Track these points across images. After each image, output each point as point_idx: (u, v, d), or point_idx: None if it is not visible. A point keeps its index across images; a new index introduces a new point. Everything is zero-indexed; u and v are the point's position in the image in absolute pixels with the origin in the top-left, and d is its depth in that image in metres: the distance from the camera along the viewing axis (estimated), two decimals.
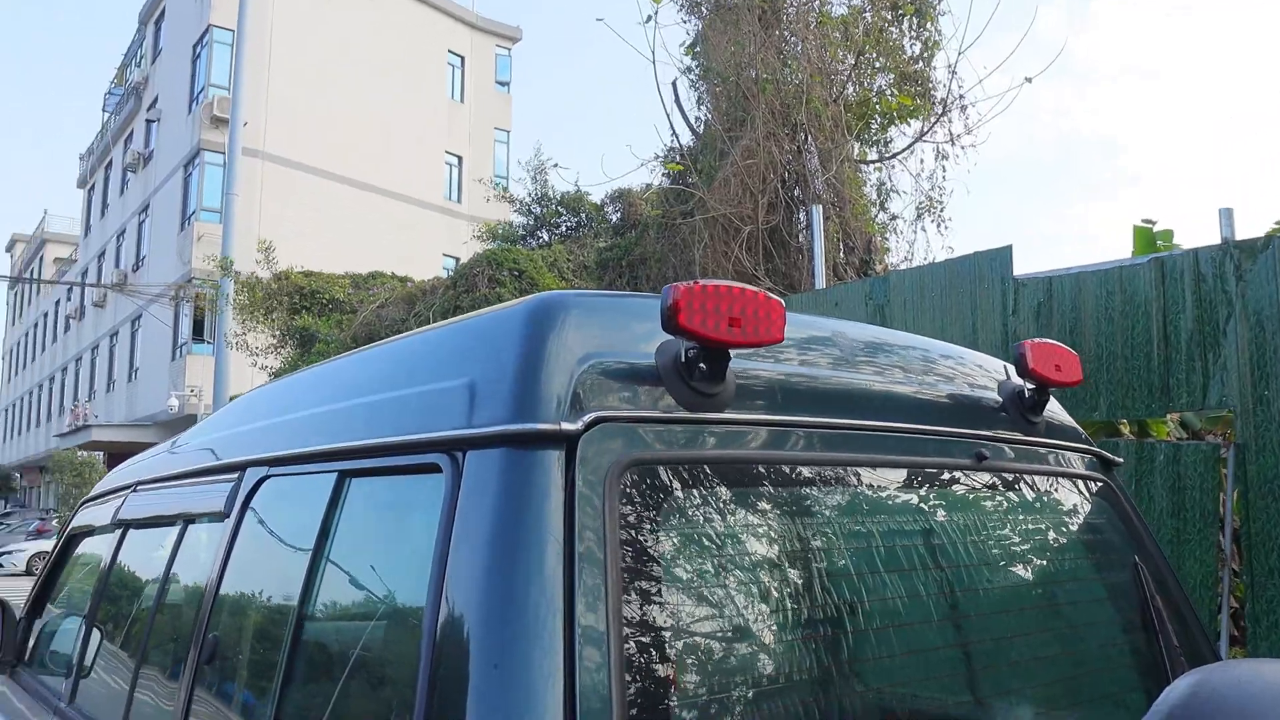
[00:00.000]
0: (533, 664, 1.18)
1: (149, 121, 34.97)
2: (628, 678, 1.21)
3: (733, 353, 1.49)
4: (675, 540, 1.38)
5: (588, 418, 1.36)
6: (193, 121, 30.33)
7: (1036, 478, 1.97)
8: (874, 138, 11.30)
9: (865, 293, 6.02)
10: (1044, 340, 1.97)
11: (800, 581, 1.47)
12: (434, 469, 1.41)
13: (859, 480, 1.64)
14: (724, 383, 1.50)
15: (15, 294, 58.76)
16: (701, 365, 1.47)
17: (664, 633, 1.29)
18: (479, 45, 38.11)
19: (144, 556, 2.60)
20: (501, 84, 39.22)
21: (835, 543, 1.55)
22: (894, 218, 11.59)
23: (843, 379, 1.74)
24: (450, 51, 36.85)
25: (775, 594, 1.43)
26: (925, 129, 11.20)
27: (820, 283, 9.54)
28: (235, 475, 2.04)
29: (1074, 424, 2.21)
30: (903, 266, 10.99)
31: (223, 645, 1.83)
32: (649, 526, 1.35)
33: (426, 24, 35.92)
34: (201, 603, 1.96)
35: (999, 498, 1.86)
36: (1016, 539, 1.86)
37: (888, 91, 11.13)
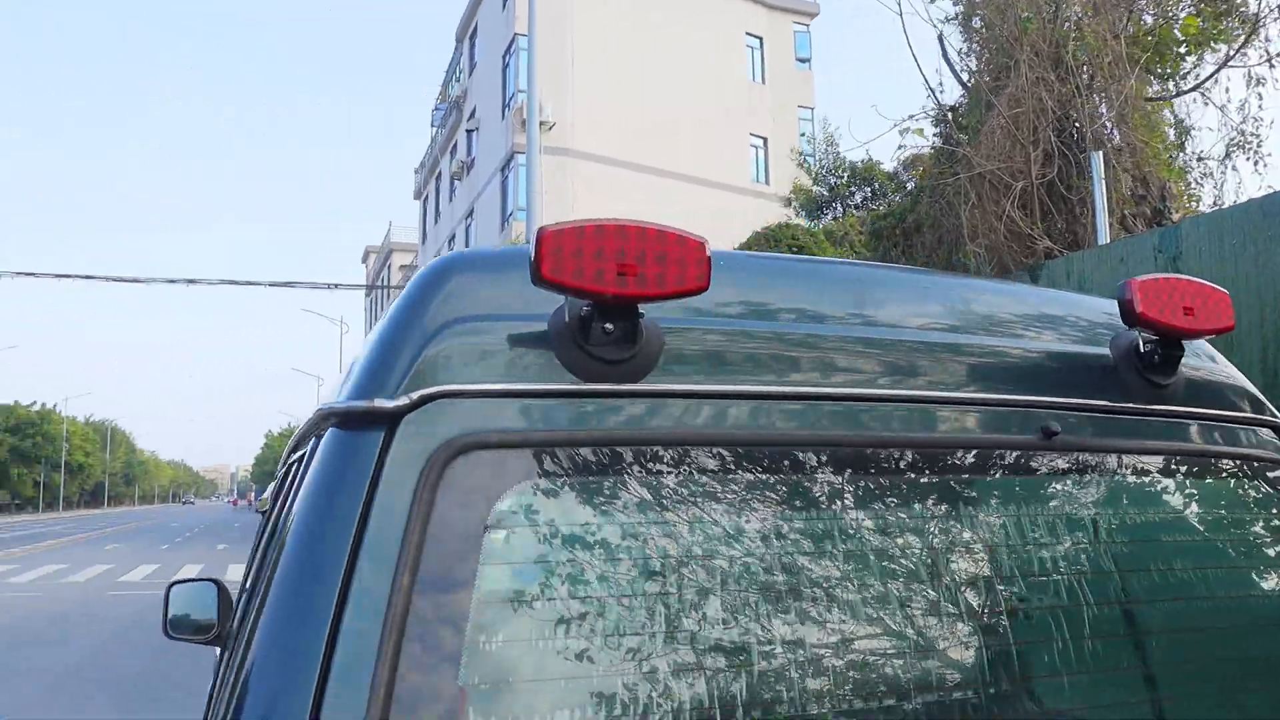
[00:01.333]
0: (285, 669, 1.09)
1: (469, 131, 38.48)
2: (390, 698, 1.06)
3: (644, 309, 1.28)
4: (516, 543, 1.18)
5: (419, 394, 1.22)
6: (505, 127, 33.06)
7: (1165, 460, 1.57)
8: (1167, 70, 10.39)
9: (1153, 245, 5.68)
10: (1168, 275, 1.54)
11: (699, 611, 1.20)
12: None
13: (838, 467, 1.34)
14: (636, 346, 1.27)
15: (370, 301, 66.77)
16: (605, 326, 1.26)
17: (458, 654, 1.10)
18: (776, 24, 38.37)
19: None
20: (802, 61, 39.25)
21: (782, 557, 1.27)
22: (1200, 159, 10.61)
23: (828, 333, 1.44)
24: (748, 33, 37.40)
25: (645, 625, 1.18)
26: (1232, 52, 10.15)
27: (1103, 237, 8.98)
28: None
29: (1241, 383, 1.74)
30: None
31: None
32: (480, 524, 1.17)
33: (722, 8, 36.69)
34: None
35: (1090, 488, 1.50)
36: (1120, 546, 1.48)
37: (1184, 13, 10.20)
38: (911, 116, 11.42)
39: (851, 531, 1.31)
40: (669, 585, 1.21)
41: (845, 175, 18.33)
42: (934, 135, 11.91)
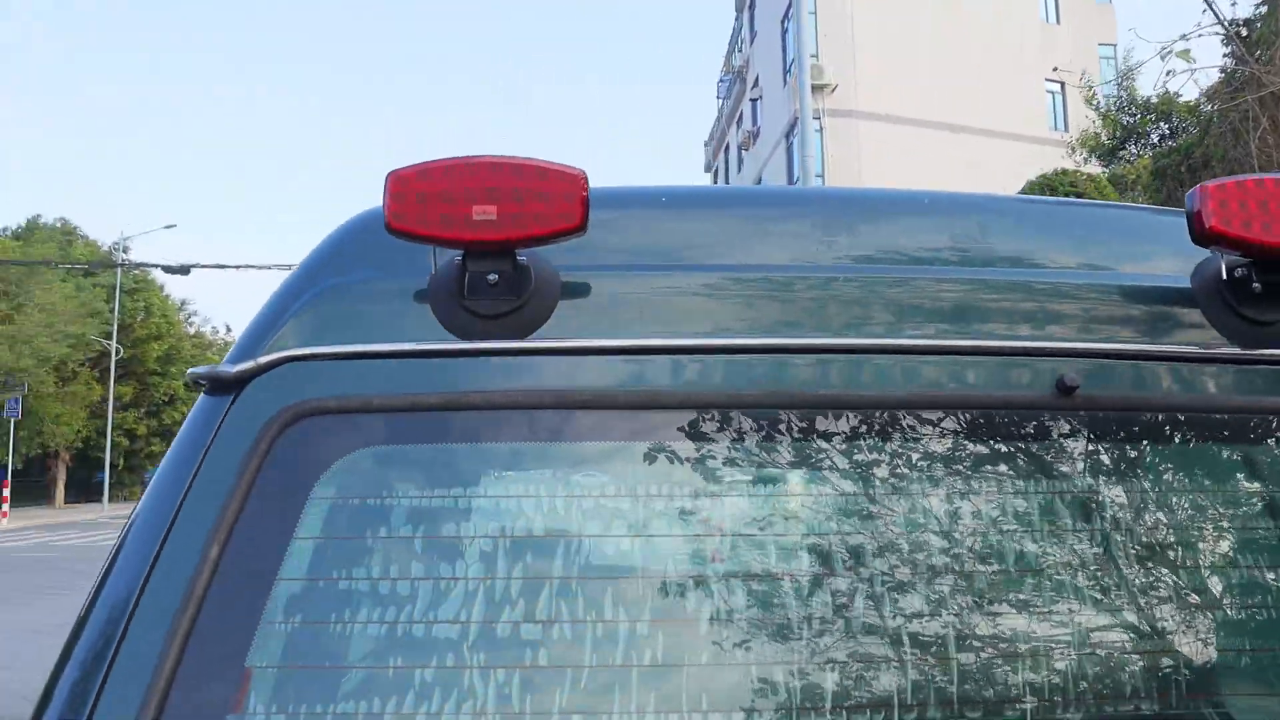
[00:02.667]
0: (97, 628, 1.10)
1: (753, 101, 40.11)
2: (175, 672, 1.05)
3: (523, 257, 1.20)
4: (340, 517, 1.15)
5: (268, 358, 1.20)
6: (787, 94, 34.34)
7: (1264, 420, 1.27)
8: None
9: None
10: (1262, 176, 1.23)
11: (536, 597, 1.11)
12: None
13: (767, 429, 1.21)
14: (520, 298, 1.19)
15: None
16: (487, 277, 1.18)
17: (251, 632, 1.08)
18: None
19: None
20: None
21: (666, 539, 1.17)
22: None
23: (769, 274, 1.29)
24: None
25: (471, 611, 1.11)
26: None
27: None
28: None
29: None
30: None
31: None
32: (303, 495, 1.14)
33: None
34: None
35: (1132, 456, 1.25)
36: (1213, 528, 1.25)
37: None
38: (1184, 36, 10.00)
39: (786, 506, 1.19)
40: (519, 570, 1.13)
41: (1139, 113, 17.96)
42: (1224, 56, 11.61)
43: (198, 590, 1.09)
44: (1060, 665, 1.12)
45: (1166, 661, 1.14)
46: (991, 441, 1.24)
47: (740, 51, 43.56)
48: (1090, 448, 1.25)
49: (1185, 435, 1.28)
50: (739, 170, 43.99)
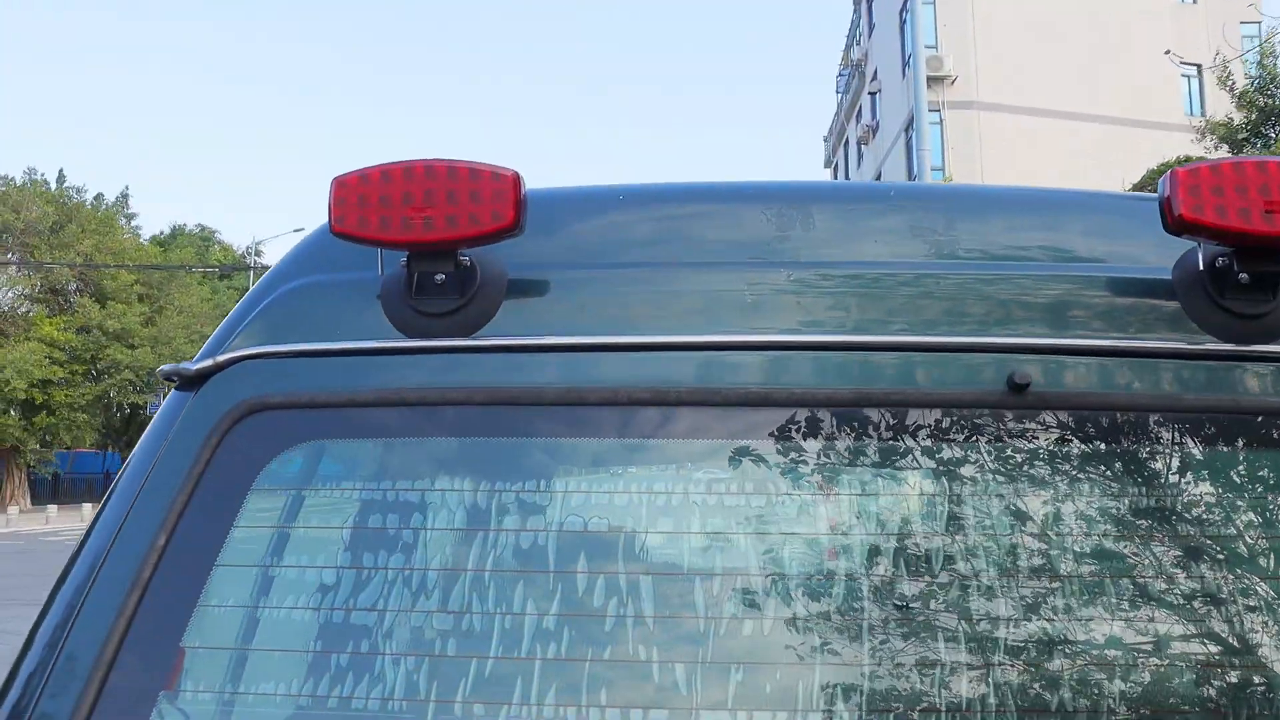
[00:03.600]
0: (56, 611, 1.18)
1: (871, 94, 40.25)
2: (115, 655, 1.13)
3: (468, 256, 1.24)
4: (280, 508, 1.25)
5: (225, 356, 1.28)
6: (906, 87, 34.53)
7: (1242, 422, 1.21)
8: None
9: None
10: (1239, 159, 1.19)
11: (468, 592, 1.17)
12: None
13: (705, 427, 1.23)
14: (464, 297, 1.24)
15: None
16: (437, 277, 1.23)
17: (187, 616, 1.16)
18: None
19: None
20: None
21: (595, 536, 1.21)
22: None
23: (711, 275, 1.30)
24: None
25: (388, 602, 1.18)
26: None
27: None
28: None
29: None
30: None
31: None
32: (245, 487, 1.22)
33: None
34: None
35: (1103, 466, 1.21)
36: (1203, 537, 1.19)
37: None
38: None
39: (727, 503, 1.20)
40: (443, 561, 1.19)
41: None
42: None
43: (143, 576, 1.17)
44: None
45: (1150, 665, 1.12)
46: (914, 438, 1.23)
47: (858, 45, 43.76)
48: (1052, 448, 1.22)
49: (1175, 435, 1.22)
50: (858, 165, 44.21)
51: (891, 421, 1.23)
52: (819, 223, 1.37)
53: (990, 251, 1.36)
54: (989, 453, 1.22)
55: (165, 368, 1.35)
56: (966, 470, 1.22)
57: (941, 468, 1.23)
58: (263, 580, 1.23)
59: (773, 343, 1.25)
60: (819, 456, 1.23)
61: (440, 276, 1.24)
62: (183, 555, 1.19)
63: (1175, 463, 1.23)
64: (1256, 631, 1.15)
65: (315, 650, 1.19)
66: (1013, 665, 1.12)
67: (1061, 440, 1.23)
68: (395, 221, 1.19)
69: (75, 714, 1.12)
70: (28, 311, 38.77)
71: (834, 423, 1.23)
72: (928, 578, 1.16)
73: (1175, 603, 1.15)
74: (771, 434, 1.23)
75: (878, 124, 39.59)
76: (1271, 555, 1.19)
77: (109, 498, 1.28)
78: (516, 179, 1.20)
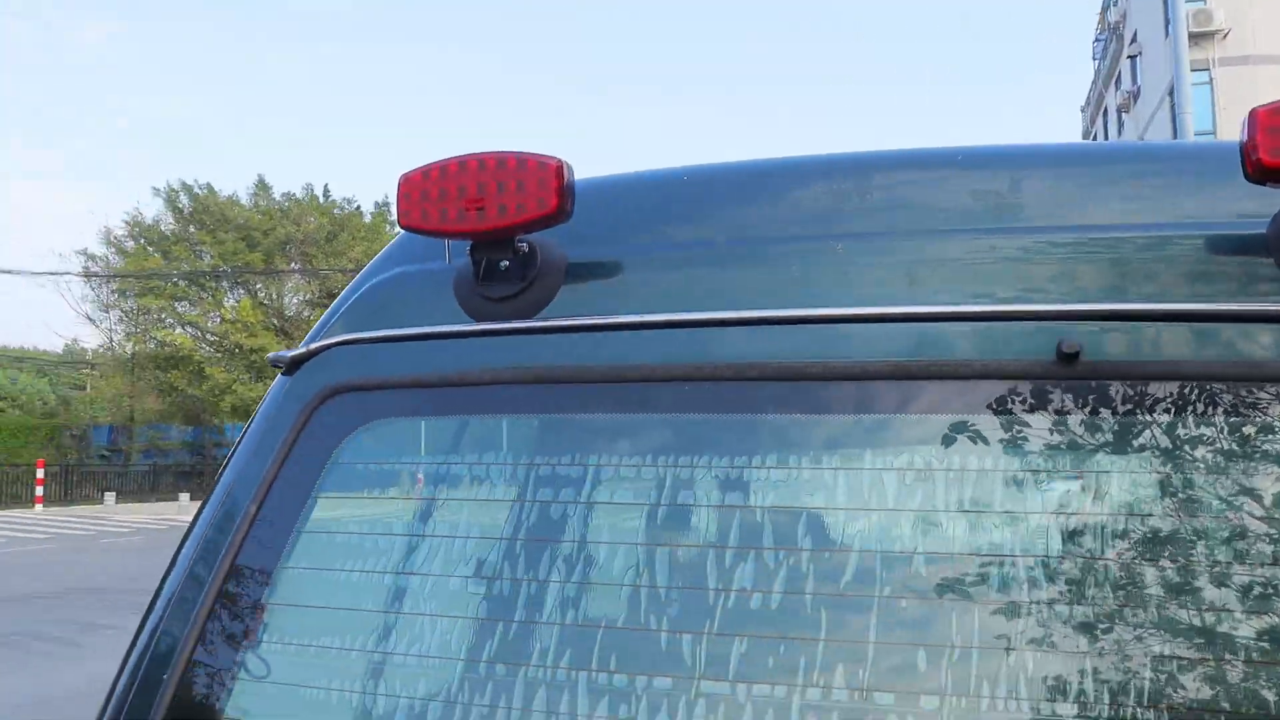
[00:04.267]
0: (169, 580, 1.36)
1: (1130, 58, 38.70)
2: (214, 605, 1.30)
3: (526, 243, 1.31)
4: (356, 479, 1.36)
5: (317, 344, 1.41)
6: (1170, 47, 33.15)
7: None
8: None
9: None
10: None
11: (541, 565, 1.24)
12: None
13: (764, 402, 1.23)
14: (525, 281, 1.31)
15: None
16: (502, 263, 1.31)
17: (272, 574, 1.32)
18: None
19: None
20: None
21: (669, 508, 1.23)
22: None
23: (763, 251, 1.30)
24: None
25: (446, 568, 1.31)
26: None
27: None
28: None
29: None
30: None
31: None
32: (324, 460, 1.34)
33: None
34: None
35: (1174, 441, 1.11)
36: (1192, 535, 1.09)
37: None
38: None
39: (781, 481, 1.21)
40: (510, 531, 1.30)
41: None
42: None
43: (236, 541, 1.33)
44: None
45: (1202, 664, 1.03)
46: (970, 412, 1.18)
47: (1115, 5, 42.17)
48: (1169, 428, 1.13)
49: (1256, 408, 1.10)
50: (1119, 134, 42.52)
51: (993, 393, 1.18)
52: (870, 194, 1.35)
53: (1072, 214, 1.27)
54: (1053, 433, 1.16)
55: (272, 355, 1.49)
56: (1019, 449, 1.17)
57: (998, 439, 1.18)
58: (337, 545, 1.36)
59: (823, 316, 1.23)
60: (884, 430, 1.21)
61: (504, 263, 1.32)
62: (270, 521, 1.34)
63: None
64: None
65: (384, 609, 1.32)
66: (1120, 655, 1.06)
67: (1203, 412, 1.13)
68: (453, 213, 1.27)
69: (178, 654, 1.30)
70: (309, 316, 42.35)
71: (874, 392, 1.21)
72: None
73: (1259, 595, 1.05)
74: (822, 407, 1.23)
75: (1139, 89, 37.99)
76: None
77: (222, 469, 1.44)
78: (559, 167, 1.26)
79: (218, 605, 1.31)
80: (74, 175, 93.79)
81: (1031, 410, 1.15)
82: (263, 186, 42.18)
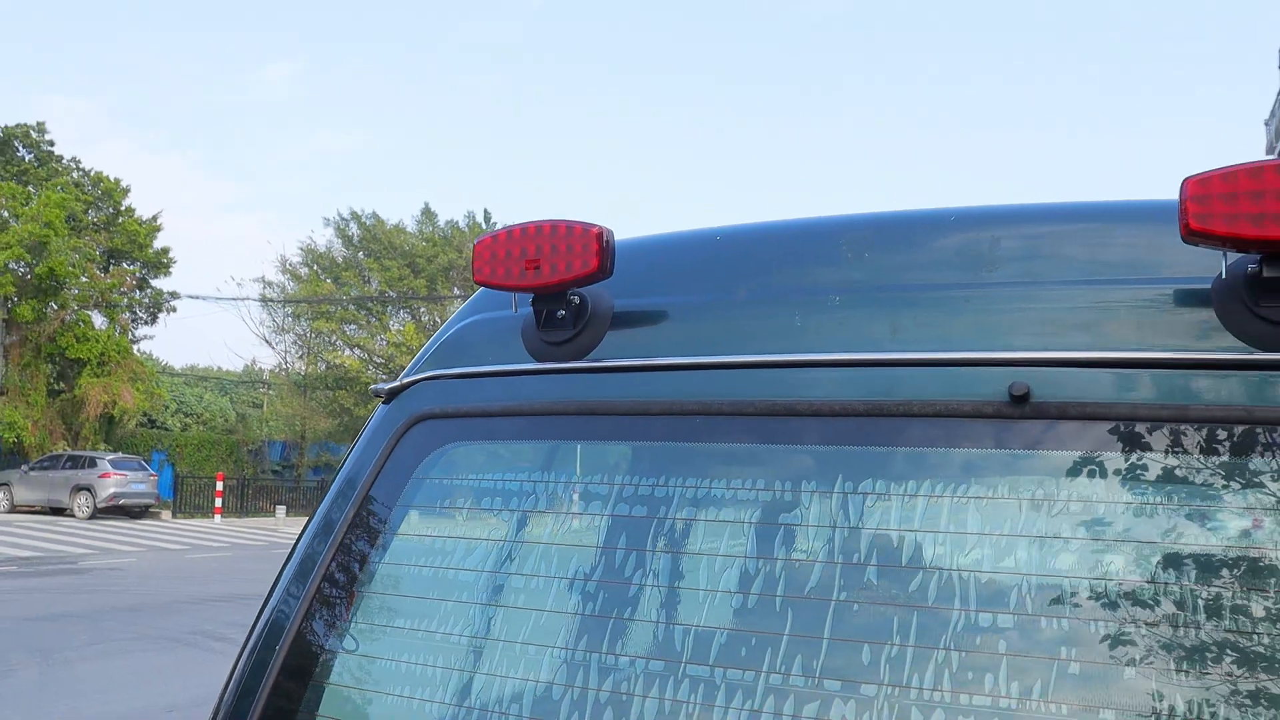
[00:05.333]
0: (276, 582, 1.63)
1: None
2: (317, 594, 1.56)
3: (577, 295, 1.53)
4: (435, 495, 1.61)
5: (409, 379, 1.67)
6: None
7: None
8: None
9: None
10: (1261, 161, 1.17)
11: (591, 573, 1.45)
12: None
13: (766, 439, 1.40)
14: (576, 328, 1.52)
15: None
16: (559, 312, 1.53)
17: (367, 570, 1.59)
18: None
19: None
20: None
21: (686, 530, 1.43)
22: None
23: (778, 299, 1.48)
24: None
25: (543, 590, 1.47)
26: None
27: None
28: None
29: None
30: None
31: None
32: (408, 477, 1.60)
33: None
34: None
35: (1116, 483, 1.21)
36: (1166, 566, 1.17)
37: None
38: None
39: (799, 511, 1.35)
40: (560, 538, 1.52)
41: None
42: None
43: (334, 543, 1.59)
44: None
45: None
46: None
47: None
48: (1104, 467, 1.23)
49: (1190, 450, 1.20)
50: None
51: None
52: (871, 252, 1.49)
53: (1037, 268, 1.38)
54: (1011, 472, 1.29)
55: (374, 386, 1.73)
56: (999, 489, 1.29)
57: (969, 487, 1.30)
58: (419, 545, 1.59)
59: (827, 360, 1.40)
60: (900, 462, 1.33)
61: (560, 312, 1.53)
62: (362, 530, 1.60)
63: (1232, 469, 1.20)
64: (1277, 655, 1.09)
65: (451, 600, 1.54)
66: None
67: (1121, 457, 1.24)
68: (516, 271, 1.50)
69: (284, 636, 1.56)
70: None
71: (876, 429, 1.35)
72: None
73: (1212, 631, 1.12)
74: (807, 439, 1.39)
75: None
76: None
77: (329, 484, 1.68)
78: (600, 233, 1.46)
79: (315, 601, 1.56)
80: (255, 206, 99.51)
81: (986, 445, 1.29)
82: (428, 214, 44.00)
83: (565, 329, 1.53)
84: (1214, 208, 1.16)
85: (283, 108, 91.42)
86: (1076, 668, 1.14)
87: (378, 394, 1.73)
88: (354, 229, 42.50)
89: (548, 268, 1.46)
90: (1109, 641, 1.14)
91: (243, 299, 36.98)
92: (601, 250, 1.45)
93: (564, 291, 1.51)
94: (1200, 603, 1.13)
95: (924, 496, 1.29)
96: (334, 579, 1.58)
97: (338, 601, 1.57)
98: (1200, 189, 1.17)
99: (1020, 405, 1.25)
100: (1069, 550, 1.21)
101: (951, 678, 1.17)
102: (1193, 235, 1.18)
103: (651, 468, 1.49)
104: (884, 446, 1.33)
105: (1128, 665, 1.13)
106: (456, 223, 44.58)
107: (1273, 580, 1.12)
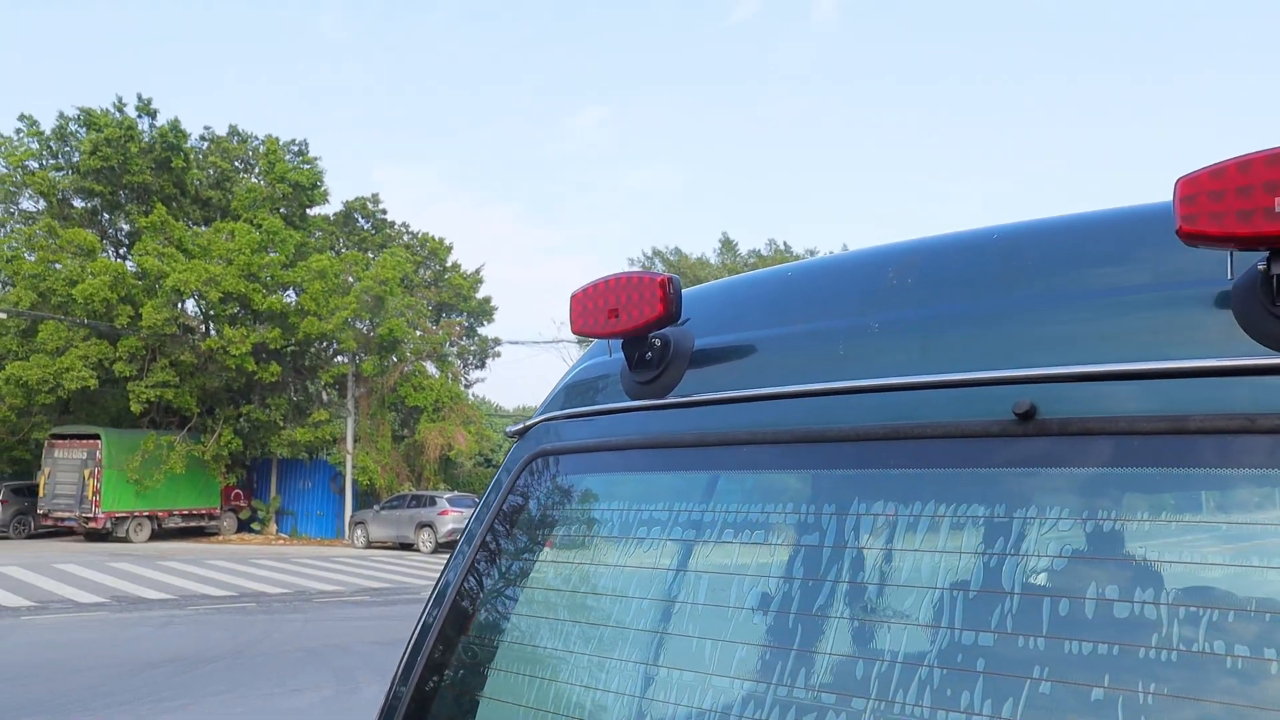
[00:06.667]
0: (426, 606, 1.88)
1: None
2: (455, 600, 1.81)
3: (659, 338, 1.67)
4: (553, 525, 1.83)
5: (538, 418, 1.88)
6: None
7: None
8: None
9: None
10: (1229, 161, 1.12)
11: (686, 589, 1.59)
12: None
13: (857, 461, 1.44)
14: (658, 369, 1.66)
15: None
16: (645, 355, 1.68)
17: (508, 575, 1.83)
18: None
19: None
20: None
21: (771, 552, 1.52)
22: None
23: (837, 330, 1.53)
24: None
25: (638, 611, 1.63)
26: None
27: None
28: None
29: None
30: None
31: None
32: (527, 504, 1.85)
33: None
34: None
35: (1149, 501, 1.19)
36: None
37: None
38: None
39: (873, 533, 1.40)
40: (656, 561, 1.65)
41: None
42: None
43: (475, 548, 1.86)
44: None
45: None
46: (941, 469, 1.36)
47: None
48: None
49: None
50: None
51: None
52: (895, 281, 1.52)
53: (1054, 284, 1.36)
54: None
55: (508, 428, 1.99)
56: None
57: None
58: (528, 565, 1.82)
59: (874, 386, 1.43)
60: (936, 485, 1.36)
61: (648, 354, 1.66)
62: (491, 548, 1.85)
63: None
64: None
65: (560, 618, 1.73)
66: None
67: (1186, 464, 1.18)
68: (600, 320, 1.64)
69: (425, 648, 1.83)
70: None
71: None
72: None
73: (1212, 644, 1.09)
74: (887, 465, 1.41)
75: None
76: None
77: (471, 518, 1.94)
78: (665, 281, 1.59)
79: (450, 616, 1.82)
80: (574, 249, 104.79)
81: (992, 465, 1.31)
82: (727, 245, 44.72)
83: (651, 369, 1.66)
84: (1202, 206, 1.11)
85: (595, 152, 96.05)
86: (1100, 690, 1.12)
87: (509, 435, 1.97)
88: (659, 266, 43.84)
89: (625, 315, 1.60)
90: (1125, 659, 1.12)
91: (559, 340, 38.99)
92: (666, 297, 1.57)
93: (644, 335, 1.64)
94: (1214, 621, 1.09)
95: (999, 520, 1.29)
96: (461, 600, 1.84)
97: (461, 624, 1.82)
98: (1190, 188, 1.12)
99: (1027, 420, 1.26)
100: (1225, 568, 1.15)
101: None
102: (1186, 237, 1.14)
103: (733, 493, 1.62)
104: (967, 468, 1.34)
105: (1138, 684, 1.10)
106: (759, 251, 45.11)
107: None
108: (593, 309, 1.65)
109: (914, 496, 1.36)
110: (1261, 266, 1.13)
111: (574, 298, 1.69)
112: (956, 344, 1.38)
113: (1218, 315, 1.18)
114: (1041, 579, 1.23)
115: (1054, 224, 1.44)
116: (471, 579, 1.82)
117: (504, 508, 1.84)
